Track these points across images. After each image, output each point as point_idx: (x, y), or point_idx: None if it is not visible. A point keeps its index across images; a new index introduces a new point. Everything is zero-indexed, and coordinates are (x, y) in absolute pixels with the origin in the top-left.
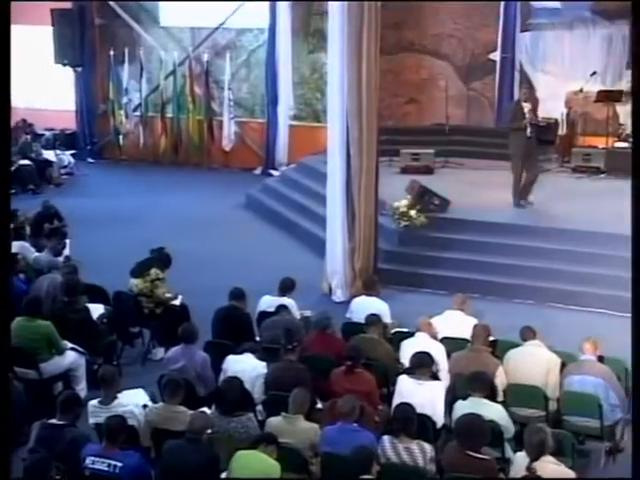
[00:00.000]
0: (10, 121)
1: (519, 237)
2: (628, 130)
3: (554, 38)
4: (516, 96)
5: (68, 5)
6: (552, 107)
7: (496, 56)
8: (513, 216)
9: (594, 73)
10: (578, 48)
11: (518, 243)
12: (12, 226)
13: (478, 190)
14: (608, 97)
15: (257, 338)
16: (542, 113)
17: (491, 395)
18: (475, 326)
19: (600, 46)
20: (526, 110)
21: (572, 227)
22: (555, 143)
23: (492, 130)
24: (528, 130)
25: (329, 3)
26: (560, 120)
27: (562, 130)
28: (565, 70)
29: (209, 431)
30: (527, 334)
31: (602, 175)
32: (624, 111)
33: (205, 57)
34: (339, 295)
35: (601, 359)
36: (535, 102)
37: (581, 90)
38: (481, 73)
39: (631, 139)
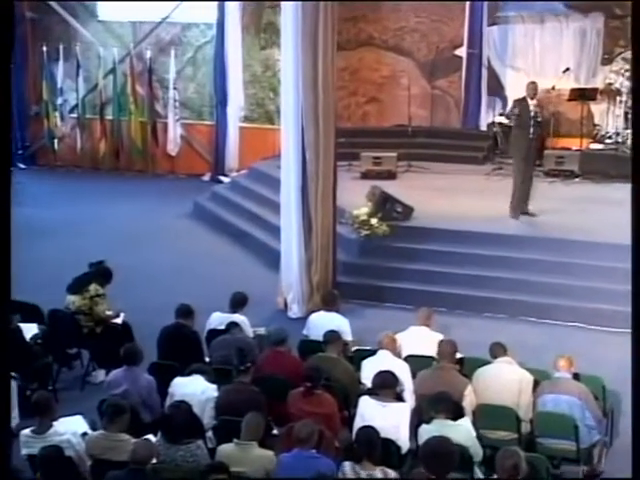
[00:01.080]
0: (10, 121)
1: (488, 246)
2: (604, 131)
3: (524, 32)
4: (484, 95)
5: None
6: None
7: (462, 52)
8: (481, 224)
9: (567, 69)
10: (550, 43)
11: (487, 253)
12: None
13: (444, 196)
14: (582, 95)
15: (206, 358)
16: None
17: (459, 417)
18: (441, 342)
19: (573, 41)
20: (532, 107)
21: (544, 235)
22: None
23: (458, 131)
24: (531, 130)
25: None
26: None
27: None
28: (536, 66)
29: (154, 461)
30: (498, 350)
31: (576, 179)
32: (599, 110)
33: (148, 54)
34: (295, 311)
35: (577, 377)
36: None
37: (553, 88)
38: (446, 70)
39: (608, 140)
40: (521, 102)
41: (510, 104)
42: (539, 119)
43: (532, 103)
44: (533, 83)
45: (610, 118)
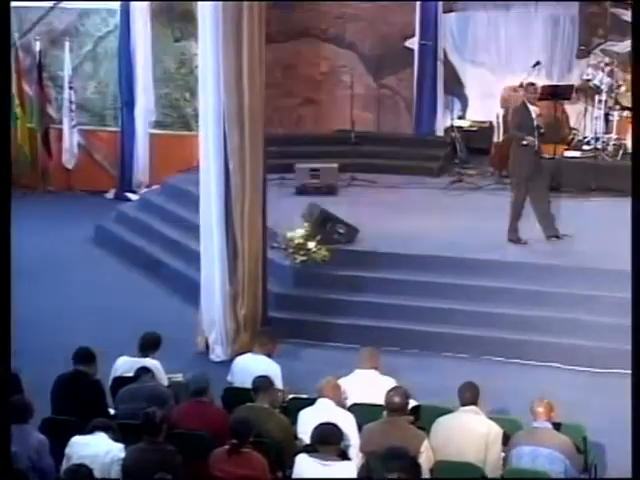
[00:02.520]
0: (10, 121)
1: (446, 273)
2: (581, 135)
3: (486, 20)
4: (440, 94)
5: None
6: (485, 107)
7: (414, 43)
8: (439, 247)
9: (537, 64)
10: (516, 33)
11: (446, 281)
12: None
13: (395, 214)
14: (555, 94)
15: (111, 412)
16: (473, 115)
17: (416, 476)
18: (392, 389)
19: (544, 30)
20: (534, 115)
21: (512, 259)
22: (490, 153)
23: (410, 138)
24: (536, 142)
25: None
26: (495, 123)
27: (498, 136)
28: (501, 60)
29: None
30: (469, 394)
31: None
32: (575, 111)
33: (37, 46)
34: (218, 353)
35: (557, 426)
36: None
37: (521, 85)
38: (396, 65)
39: (585, 146)
40: (521, 110)
41: (470, 106)
42: (542, 129)
43: (533, 110)
44: (533, 85)
45: (588, 120)
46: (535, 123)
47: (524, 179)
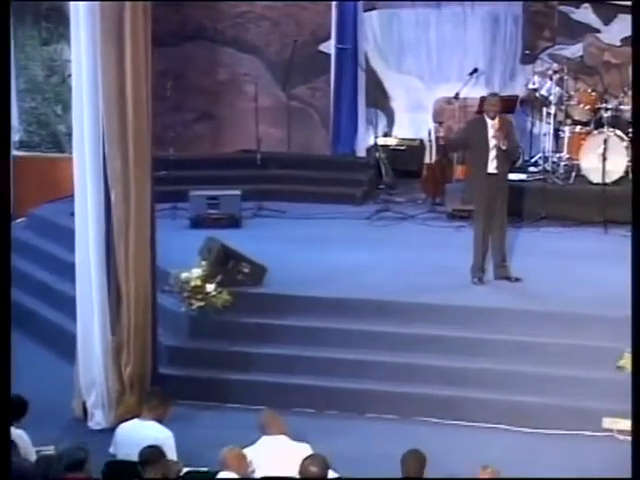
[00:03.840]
0: (10, 121)
1: (370, 319)
2: (527, 155)
3: (414, 20)
4: (361, 107)
5: None
6: (415, 122)
7: (330, 47)
8: (361, 288)
9: (474, 71)
10: (450, 35)
11: (369, 328)
12: None
13: (309, 250)
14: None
15: None
16: (400, 131)
17: None
18: (308, 458)
19: (482, 31)
20: (492, 131)
21: (443, 302)
22: (421, 176)
23: (327, 159)
24: (494, 163)
25: None
26: (427, 141)
27: (430, 157)
28: (432, 67)
29: None
30: (407, 466)
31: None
32: (520, 126)
33: None
34: (99, 419)
35: None
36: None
37: (456, 96)
38: (308, 73)
39: (532, 167)
40: (476, 124)
41: (397, 121)
42: (504, 147)
43: (492, 124)
44: (494, 95)
45: (535, 138)
46: (494, 142)
47: (483, 207)
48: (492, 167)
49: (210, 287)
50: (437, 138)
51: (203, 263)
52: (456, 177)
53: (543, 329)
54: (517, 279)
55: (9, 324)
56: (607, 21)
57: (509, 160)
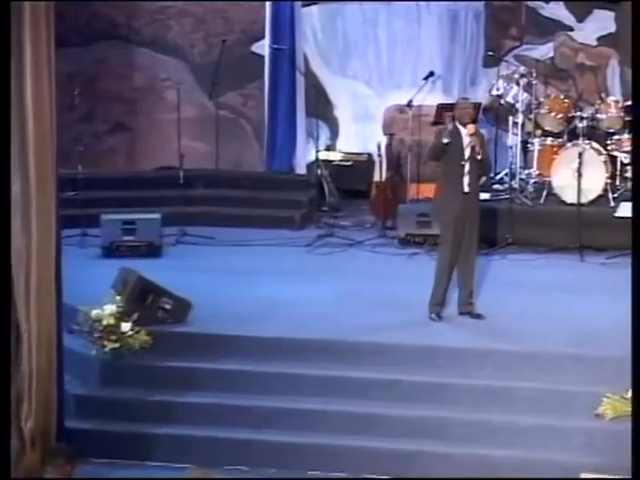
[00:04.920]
0: (10, 121)
1: (311, 361)
2: (492, 172)
3: (361, 17)
4: (301, 117)
5: None
6: (362, 134)
7: (263, 48)
8: (300, 325)
9: (431, 75)
10: (402, 34)
11: (311, 372)
12: None
13: (241, 281)
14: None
15: None
16: (345, 145)
17: None
18: None
19: (439, 29)
20: (466, 142)
21: (397, 341)
22: (369, 196)
23: (262, 177)
24: (467, 179)
25: None
26: (376, 156)
27: (380, 174)
28: (382, 71)
29: None
30: None
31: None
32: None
33: None
34: None
35: None
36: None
37: (409, 104)
38: (239, 78)
39: (497, 185)
40: (448, 132)
41: (342, 133)
42: (479, 156)
43: (466, 132)
44: (466, 99)
45: (500, 151)
46: (467, 151)
47: (452, 231)
48: (466, 184)
49: (126, 326)
50: (388, 152)
51: (117, 298)
52: (410, 197)
53: (512, 372)
54: (480, 315)
55: (9, 324)
56: (581, 18)
57: (480, 176)
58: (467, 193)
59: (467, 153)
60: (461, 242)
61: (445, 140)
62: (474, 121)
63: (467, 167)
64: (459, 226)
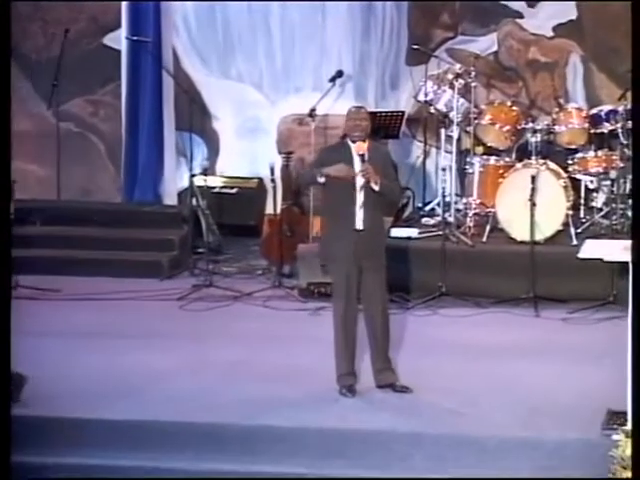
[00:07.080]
0: (10, 121)
1: (185, 452)
2: (418, 201)
3: (248, 5)
4: (169, 130)
5: None
6: (250, 153)
7: (119, 40)
8: (172, 405)
9: (339, 76)
10: (302, 24)
11: (183, 466)
12: None
13: (95, 348)
14: (372, 128)
15: None
16: (228, 167)
17: None
18: None
19: (350, 20)
20: (359, 163)
21: (298, 424)
22: (260, 234)
23: (118, 210)
24: (361, 214)
25: None
26: (269, 181)
27: (273, 205)
28: (275, 72)
29: None
30: None
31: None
32: (408, 160)
33: None
34: None
35: None
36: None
37: (312, 114)
38: (88, 80)
39: (427, 219)
40: (335, 150)
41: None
42: (376, 187)
43: (359, 152)
44: (361, 108)
45: (430, 174)
46: (361, 180)
47: (342, 278)
48: (359, 219)
49: None
50: (284, 175)
51: None
52: (314, 234)
53: (447, 462)
54: (405, 388)
55: (9, 324)
56: (533, 1)
57: (386, 208)
58: (361, 230)
59: (360, 181)
60: (359, 294)
61: (320, 179)
62: (392, 134)
63: (361, 198)
64: (353, 274)
